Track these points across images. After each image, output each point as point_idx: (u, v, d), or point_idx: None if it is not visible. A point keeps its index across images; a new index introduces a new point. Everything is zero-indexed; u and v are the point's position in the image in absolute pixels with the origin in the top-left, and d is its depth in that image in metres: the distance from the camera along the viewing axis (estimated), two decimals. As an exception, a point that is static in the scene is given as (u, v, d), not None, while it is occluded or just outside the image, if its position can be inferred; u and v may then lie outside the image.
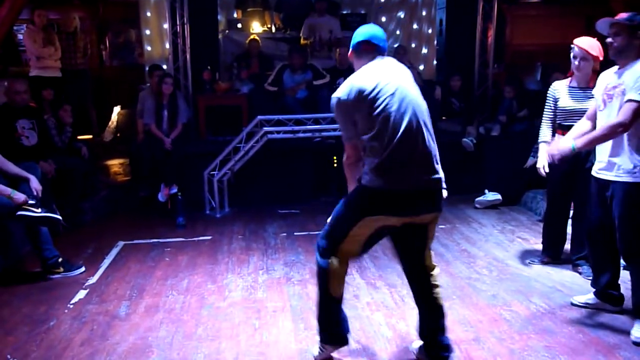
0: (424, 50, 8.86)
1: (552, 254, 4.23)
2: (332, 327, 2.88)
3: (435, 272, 2.83)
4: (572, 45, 3.80)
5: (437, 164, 2.67)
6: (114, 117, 8.44)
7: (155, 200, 5.78)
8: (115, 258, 4.57)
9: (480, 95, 7.14)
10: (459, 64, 7.38)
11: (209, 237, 5.06)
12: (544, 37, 8.32)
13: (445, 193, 2.74)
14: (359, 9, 8.80)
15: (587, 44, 3.73)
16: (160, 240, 4.97)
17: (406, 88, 2.66)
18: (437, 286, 2.81)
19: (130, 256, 4.60)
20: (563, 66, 7.00)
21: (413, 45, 8.83)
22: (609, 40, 3.06)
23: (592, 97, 3.68)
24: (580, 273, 3.99)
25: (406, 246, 2.81)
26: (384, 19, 8.94)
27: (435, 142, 2.69)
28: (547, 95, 4.03)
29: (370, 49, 2.81)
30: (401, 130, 2.55)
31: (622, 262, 3.34)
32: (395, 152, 2.54)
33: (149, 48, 8.04)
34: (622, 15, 3.03)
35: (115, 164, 7.26)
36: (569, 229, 4.20)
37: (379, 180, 2.59)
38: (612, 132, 2.98)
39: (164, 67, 7.33)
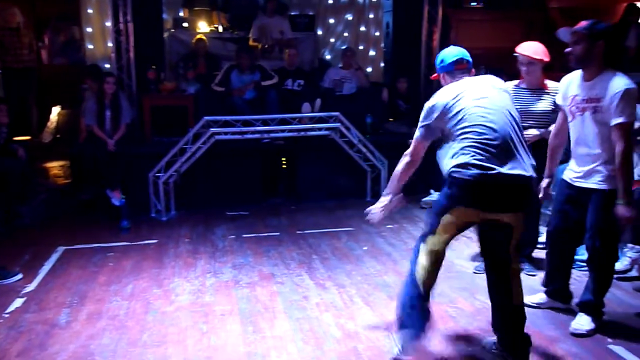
0: (372, 53, 8.96)
1: None
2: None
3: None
4: (515, 54, 3.87)
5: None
6: (54, 117, 8.12)
7: (100, 204, 5.58)
8: (55, 264, 4.39)
9: (426, 97, 7.25)
10: (406, 67, 7.51)
11: (155, 241, 4.94)
12: (487, 41, 8.55)
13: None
14: (307, 10, 8.81)
15: (529, 50, 3.79)
16: (103, 245, 4.81)
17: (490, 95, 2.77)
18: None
19: (71, 262, 4.43)
20: (506, 70, 7.24)
21: (361, 47, 8.91)
22: (568, 49, 3.10)
23: (546, 98, 3.82)
24: (522, 269, 4.11)
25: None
26: (332, 20, 8.98)
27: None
28: None
29: (462, 67, 3.00)
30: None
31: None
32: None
33: (91, 46, 7.79)
34: (582, 24, 3.06)
35: (55, 166, 6.98)
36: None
37: None
38: (628, 158, 2.96)
39: (107, 66, 7.13)
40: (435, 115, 2.83)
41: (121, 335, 3.23)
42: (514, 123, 2.74)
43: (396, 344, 2.81)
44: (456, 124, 2.73)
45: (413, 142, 2.95)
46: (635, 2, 7.03)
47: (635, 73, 5.54)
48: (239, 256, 4.56)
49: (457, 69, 2.98)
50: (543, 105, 3.85)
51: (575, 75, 3.21)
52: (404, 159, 2.99)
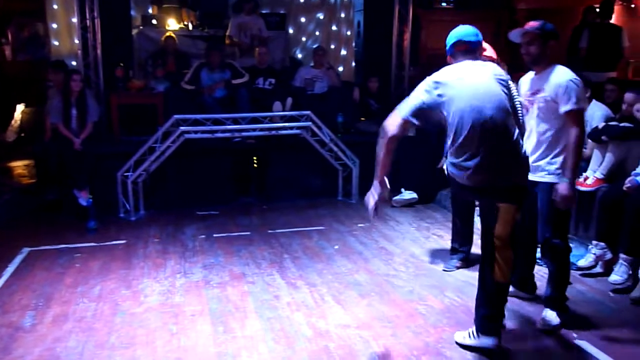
0: (343, 52, 8.99)
1: (462, 257, 4.32)
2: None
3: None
4: None
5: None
6: (17, 115, 7.93)
7: (66, 204, 5.46)
8: (20, 266, 4.27)
9: (397, 96, 7.32)
10: (377, 66, 7.55)
11: (123, 241, 4.85)
12: (456, 41, 8.68)
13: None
14: (279, 9, 8.78)
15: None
16: (70, 246, 4.70)
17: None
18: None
19: (37, 263, 4.32)
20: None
21: (332, 46, 8.94)
22: (522, 50, 3.21)
23: None
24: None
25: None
26: (303, 19, 8.98)
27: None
28: None
29: (462, 49, 2.97)
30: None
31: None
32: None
33: (56, 43, 7.62)
34: (533, 24, 3.19)
35: (19, 165, 6.83)
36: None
37: None
38: (581, 144, 3.13)
39: (74, 63, 6.98)
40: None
41: (88, 338, 3.16)
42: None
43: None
44: None
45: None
46: (593, 4, 7.20)
47: (588, 72, 5.75)
48: (209, 256, 4.52)
49: (457, 50, 2.99)
50: None
51: (530, 73, 3.37)
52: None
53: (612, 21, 7.43)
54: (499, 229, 2.86)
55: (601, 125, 4.45)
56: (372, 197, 2.90)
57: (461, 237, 4.30)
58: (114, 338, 3.16)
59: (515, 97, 2.95)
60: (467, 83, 2.79)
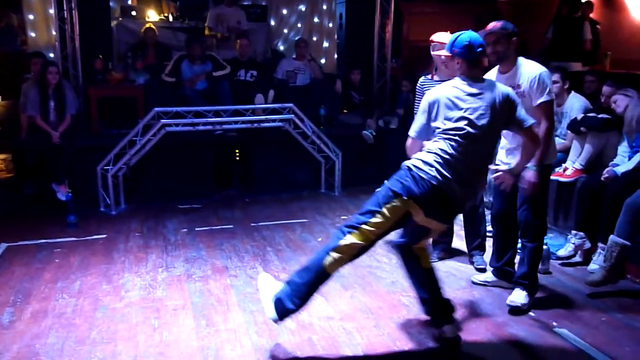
0: (325, 44, 8.95)
1: (444, 248, 4.34)
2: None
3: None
4: (432, 43, 3.97)
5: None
6: (-6, 109, 7.76)
7: (45, 199, 5.38)
8: (-3, 261, 4.21)
9: (379, 88, 7.33)
10: (359, 58, 7.54)
11: (104, 236, 4.80)
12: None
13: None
14: (260, 1, 8.71)
15: (440, 37, 3.93)
16: (49, 241, 4.64)
17: None
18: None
19: (15, 259, 4.25)
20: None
21: (314, 38, 8.88)
22: (488, 49, 3.24)
23: None
24: (472, 263, 4.19)
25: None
26: (285, 11, 8.91)
27: None
28: (416, 89, 4.17)
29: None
30: None
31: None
32: None
33: (33, 34, 7.46)
34: (497, 25, 3.30)
35: (-4, 159, 6.71)
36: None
37: None
38: (550, 134, 3.31)
39: (51, 55, 6.85)
40: None
41: (68, 334, 3.12)
42: None
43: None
44: None
45: None
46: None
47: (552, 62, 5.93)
48: (191, 250, 4.49)
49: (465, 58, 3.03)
50: None
51: (492, 73, 3.45)
52: None
53: (591, 14, 7.53)
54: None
55: (580, 116, 4.50)
56: None
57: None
58: (95, 333, 3.13)
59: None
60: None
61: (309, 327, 3.20)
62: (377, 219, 2.82)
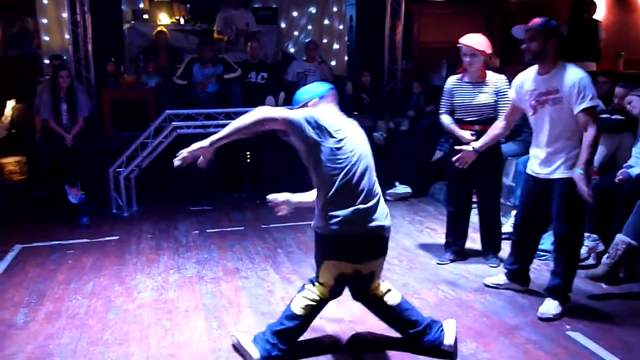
0: (335, 46, 8.97)
1: (456, 250, 4.31)
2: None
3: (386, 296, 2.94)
4: (458, 45, 3.95)
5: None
6: (8, 111, 7.86)
7: (58, 201, 5.43)
8: (12, 262, 4.25)
9: (390, 90, 7.33)
10: (369, 60, 7.54)
11: (116, 237, 4.83)
12: (448, 35, 8.62)
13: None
14: (271, 3, 8.75)
15: (472, 41, 3.89)
16: (62, 242, 4.68)
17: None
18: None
19: (29, 260, 4.30)
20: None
21: (325, 40, 8.92)
22: (523, 46, 3.21)
23: (488, 90, 3.92)
24: (486, 261, 4.20)
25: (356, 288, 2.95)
26: (295, 13, 8.95)
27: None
28: (444, 89, 4.16)
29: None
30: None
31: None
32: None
33: (46, 38, 7.55)
34: (536, 21, 3.19)
35: (10, 162, 6.78)
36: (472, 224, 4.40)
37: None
38: (597, 140, 3.13)
39: (64, 58, 6.92)
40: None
41: (81, 334, 3.15)
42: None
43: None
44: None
45: None
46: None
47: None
48: (203, 251, 4.51)
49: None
50: (484, 97, 3.95)
51: (530, 71, 3.34)
52: None
53: (604, 14, 7.47)
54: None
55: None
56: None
57: (455, 230, 4.31)
58: (108, 334, 3.15)
59: None
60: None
61: (320, 329, 3.20)
62: None
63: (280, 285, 3.85)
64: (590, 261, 4.13)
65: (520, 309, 3.46)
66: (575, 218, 3.28)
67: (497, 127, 3.69)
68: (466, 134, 3.96)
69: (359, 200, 2.69)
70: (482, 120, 3.95)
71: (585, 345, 3.03)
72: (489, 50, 3.91)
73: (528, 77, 3.35)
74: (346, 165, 2.67)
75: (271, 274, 4.03)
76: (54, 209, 5.46)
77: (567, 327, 3.23)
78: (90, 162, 5.63)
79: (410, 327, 2.92)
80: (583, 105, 3.08)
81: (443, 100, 4.15)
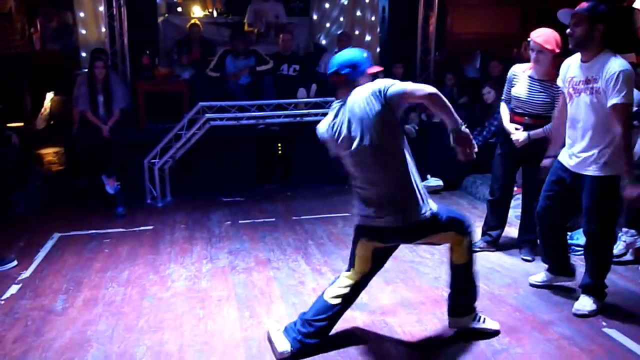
0: (367, 38, 8.90)
1: (488, 240, 4.28)
2: None
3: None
4: (528, 39, 3.84)
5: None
6: (47, 103, 8.07)
7: (95, 191, 5.55)
8: (51, 251, 4.38)
9: (422, 82, 7.24)
10: (401, 52, 7.47)
11: (151, 227, 4.93)
12: (482, 26, 8.53)
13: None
14: (302, -6, 8.74)
15: (542, 38, 3.72)
16: (99, 231, 4.80)
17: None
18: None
19: (67, 248, 4.42)
20: (500, 54, 7.21)
21: (357, 32, 8.85)
22: (568, 30, 3.07)
23: (548, 90, 3.79)
24: (520, 253, 4.16)
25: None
26: (327, 5, 8.91)
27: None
28: (507, 76, 4.06)
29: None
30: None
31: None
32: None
33: (83, 32, 7.70)
34: (583, 6, 3.03)
35: (49, 152, 6.96)
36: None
37: None
38: (628, 138, 2.98)
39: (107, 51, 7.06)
40: None
41: (117, 321, 3.23)
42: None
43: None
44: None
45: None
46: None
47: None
48: (235, 242, 4.56)
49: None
50: (541, 97, 3.83)
51: (575, 58, 3.20)
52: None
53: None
54: None
55: (635, 109, 4.33)
56: None
57: (492, 220, 4.29)
58: (143, 322, 3.22)
59: None
60: None
61: (351, 320, 3.20)
62: None
63: (311, 276, 3.87)
64: (629, 257, 4.03)
65: (555, 304, 3.40)
66: (605, 215, 3.16)
67: (555, 124, 3.51)
68: (511, 127, 3.92)
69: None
70: (534, 114, 3.86)
71: (622, 343, 2.96)
72: (557, 49, 3.74)
73: (571, 63, 3.22)
74: None
75: (302, 265, 4.06)
76: (91, 199, 5.59)
77: (604, 324, 3.16)
78: (125, 153, 5.74)
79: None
80: (615, 100, 2.92)
81: (505, 88, 4.10)
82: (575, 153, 3.20)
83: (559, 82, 3.37)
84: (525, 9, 8.38)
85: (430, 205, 2.72)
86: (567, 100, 3.23)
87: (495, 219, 4.27)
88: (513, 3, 8.65)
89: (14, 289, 3.68)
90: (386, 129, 2.61)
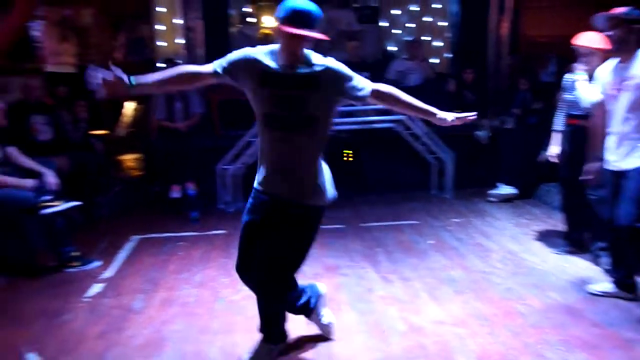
0: (436, 43, 8.79)
1: (574, 243, 4.21)
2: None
3: None
4: (572, 46, 3.90)
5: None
6: (128, 112, 8.47)
7: (168, 196, 5.80)
8: (130, 252, 4.60)
9: (494, 87, 7.08)
10: (472, 56, 7.32)
11: (223, 231, 5.07)
12: (557, 28, 8.17)
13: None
14: (371, 2, 8.74)
15: (585, 40, 3.84)
16: (174, 235, 5.00)
17: None
18: None
19: (145, 250, 4.63)
20: (575, 58, 6.92)
21: (426, 38, 8.77)
22: (608, 33, 3.19)
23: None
24: (598, 263, 3.97)
25: None
26: (395, 12, 8.88)
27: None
28: (562, 84, 4.07)
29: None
30: None
31: None
32: None
33: (162, 44, 8.05)
34: (619, 10, 3.16)
35: (129, 159, 7.30)
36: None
37: None
38: None
39: (179, 62, 7.35)
40: None
41: (191, 322, 3.34)
42: None
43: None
44: None
45: None
46: None
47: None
48: (304, 247, 4.60)
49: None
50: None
51: (612, 62, 3.33)
52: None
53: None
54: None
55: None
56: None
57: (571, 222, 4.20)
58: (216, 324, 3.32)
59: None
60: None
61: (420, 330, 3.17)
62: None
63: (379, 284, 3.85)
64: None
65: (638, 321, 3.21)
66: None
67: (598, 127, 3.53)
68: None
69: None
70: (585, 115, 3.84)
71: None
72: (607, 46, 3.67)
73: (610, 67, 3.32)
74: None
75: (370, 273, 4.05)
76: (167, 203, 5.83)
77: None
78: (200, 159, 5.94)
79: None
80: None
81: (565, 95, 4.19)
82: (618, 151, 3.27)
83: (598, 89, 3.43)
84: (601, 10, 8.00)
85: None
86: (610, 102, 3.30)
87: (575, 220, 4.26)
88: (589, 4, 8.27)
89: (97, 287, 3.89)
90: None
